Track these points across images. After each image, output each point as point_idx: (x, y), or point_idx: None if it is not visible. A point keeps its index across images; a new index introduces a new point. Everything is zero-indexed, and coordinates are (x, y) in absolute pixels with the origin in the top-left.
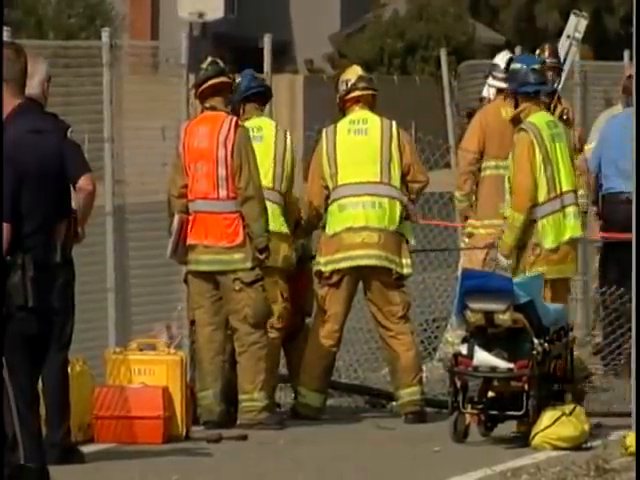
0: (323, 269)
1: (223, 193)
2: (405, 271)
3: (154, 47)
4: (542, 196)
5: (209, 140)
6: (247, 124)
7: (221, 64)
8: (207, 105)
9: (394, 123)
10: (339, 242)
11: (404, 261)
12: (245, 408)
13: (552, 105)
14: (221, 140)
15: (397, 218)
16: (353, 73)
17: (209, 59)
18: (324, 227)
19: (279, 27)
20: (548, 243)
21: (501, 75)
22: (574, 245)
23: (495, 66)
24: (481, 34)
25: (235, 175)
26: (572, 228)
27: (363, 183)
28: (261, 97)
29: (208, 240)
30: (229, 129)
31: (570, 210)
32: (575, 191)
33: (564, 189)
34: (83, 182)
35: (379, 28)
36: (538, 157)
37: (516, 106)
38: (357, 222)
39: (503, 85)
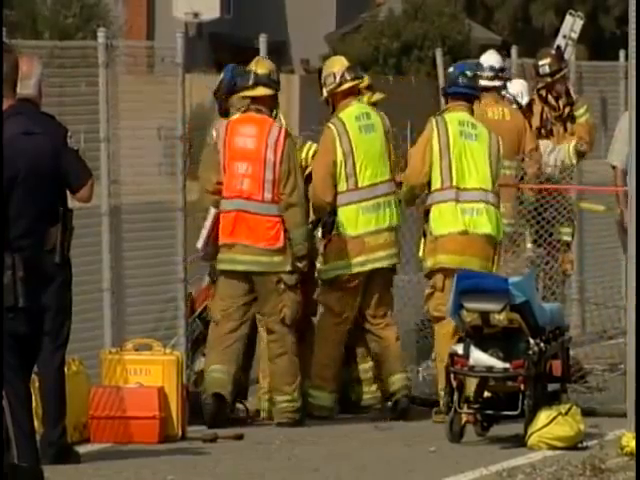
0: (342, 272)
1: (268, 196)
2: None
3: (150, 47)
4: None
5: (257, 142)
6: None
7: (261, 74)
8: (253, 107)
9: (382, 114)
10: (361, 245)
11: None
12: (285, 408)
13: (574, 105)
14: (270, 144)
15: (398, 214)
16: (339, 65)
17: (254, 71)
18: (331, 230)
19: (275, 27)
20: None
21: (487, 74)
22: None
23: (480, 66)
24: (477, 34)
25: (281, 180)
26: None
27: (377, 184)
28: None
29: (248, 240)
30: (279, 134)
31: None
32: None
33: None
34: (83, 193)
35: (374, 28)
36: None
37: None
38: (379, 224)
39: (490, 84)
